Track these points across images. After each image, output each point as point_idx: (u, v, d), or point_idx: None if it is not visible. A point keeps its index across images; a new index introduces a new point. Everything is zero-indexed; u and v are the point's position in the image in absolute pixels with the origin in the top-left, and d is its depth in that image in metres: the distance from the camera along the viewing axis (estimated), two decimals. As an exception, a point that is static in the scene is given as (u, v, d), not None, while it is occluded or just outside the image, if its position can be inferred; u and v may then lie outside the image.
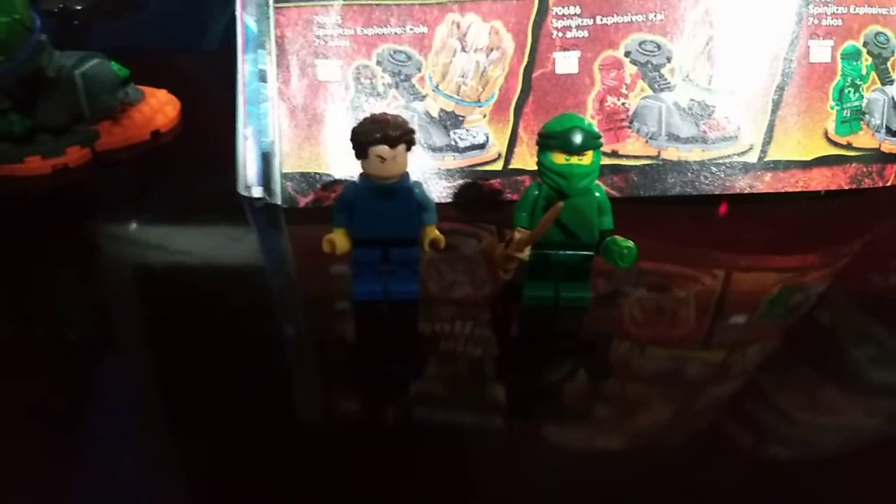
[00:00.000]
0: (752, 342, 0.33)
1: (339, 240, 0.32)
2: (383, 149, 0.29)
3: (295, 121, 0.42)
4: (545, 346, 0.33)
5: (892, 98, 0.43)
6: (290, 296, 0.38)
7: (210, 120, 0.52)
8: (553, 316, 0.34)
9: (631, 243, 0.31)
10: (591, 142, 0.31)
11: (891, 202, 0.44)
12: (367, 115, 0.31)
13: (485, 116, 0.43)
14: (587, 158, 0.31)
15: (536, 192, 0.32)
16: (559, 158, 0.31)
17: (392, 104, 0.43)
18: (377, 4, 0.42)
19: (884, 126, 0.43)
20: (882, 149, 0.44)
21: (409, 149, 0.30)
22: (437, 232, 0.32)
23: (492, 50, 0.42)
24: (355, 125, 0.31)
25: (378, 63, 0.42)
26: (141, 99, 0.52)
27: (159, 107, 0.53)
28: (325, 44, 0.42)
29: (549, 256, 0.33)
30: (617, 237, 0.32)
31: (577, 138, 0.30)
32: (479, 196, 0.43)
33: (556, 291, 0.33)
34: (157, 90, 0.54)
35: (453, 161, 0.43)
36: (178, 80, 0.58)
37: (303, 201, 0.42)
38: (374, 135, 0.29)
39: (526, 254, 0.32)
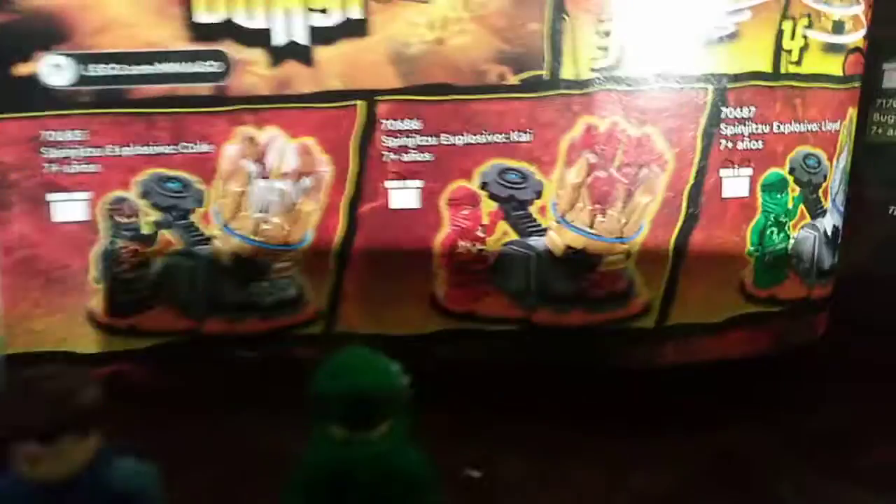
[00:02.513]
0: None
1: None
2: (32, 449, 0.18)
3: (18, 280, 0.30)
4: None
5: (825, 232, 0.34)
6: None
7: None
8: None
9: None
10: (388, 407, 0.20)
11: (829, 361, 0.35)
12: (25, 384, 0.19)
13: (296, 263, 0.32)
14: (381, 429, 0.20)
15: (312, 474, 0.21)
16: (338, 432, 0.20)
17: (164, 250, 0.31)
18: (137, 113, 0.30)
19: (814, 269, 0.34)
20: (812, 296, 0.34)
21: (86, 436, 0.19)
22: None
23: (302, 176, 0.31)
24: None
25: (142, 195, 0.31)
26: None
27: None
28: (63, 171, 0.30)
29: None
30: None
31: (363, 405, 0.19)
32: (290, 374, 0.32)
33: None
34: None
35: (255, 323, 0.32)
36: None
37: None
38: (15, 424, 0.18)
39: None
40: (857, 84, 0.34)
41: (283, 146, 0.30)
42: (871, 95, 0.37)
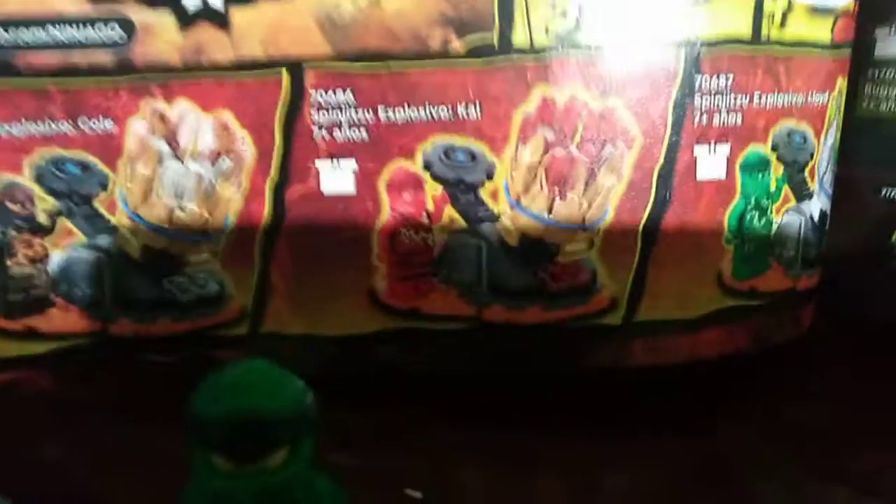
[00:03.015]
0: None
1: None
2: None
3: None
4: None
5: (811, 217, 0.31)
6: None
7: None
8: None
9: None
10: (283, 432, 0.16)
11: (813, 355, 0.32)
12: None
13: (216, 256, 0.28)
14: (276, 458, 0.16)
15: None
16: (222, 463, 0.16)
17: (64, 242, 0.27)
18: (26, 86, 0.26)
19: (799, 257, 0.30)
20: (797, 287, 0.31)
21: None
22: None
23: (220, 155, 0.27)
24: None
25: (37, 179, 0.27)
26: None
27: None
28: (-60, 151, 0.26)
29: None
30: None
31: (249, 431, 0.16)
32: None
33: None
34: None
35: (170, 324, 0.28)
36: None
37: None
38: None
39: None
40: (846, 52, 0.30)
41: (196, 122, 0.27)
42: (861, 65, 0.33)
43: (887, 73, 0.33)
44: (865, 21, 0.33)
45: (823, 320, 0.34)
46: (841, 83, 0.30)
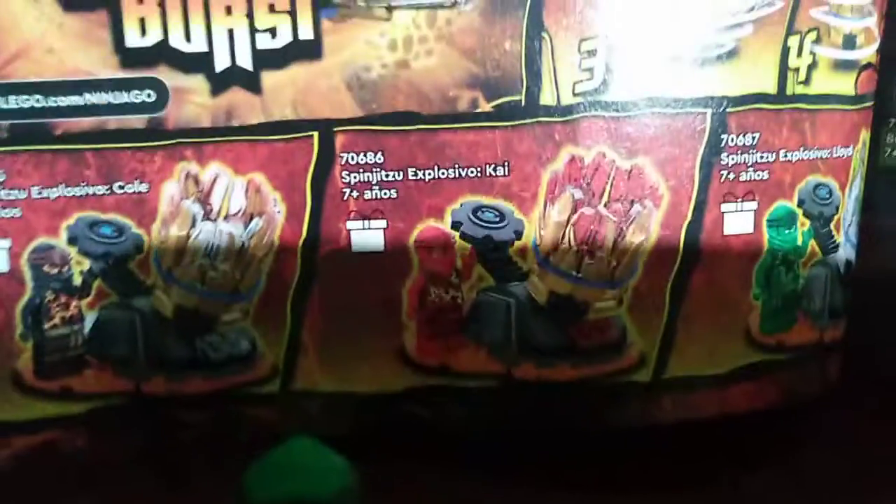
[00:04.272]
0: None
1: None
2: None
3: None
4: None
5: (837, 269, 0.31)
6: None
7: None
8: None
9: None
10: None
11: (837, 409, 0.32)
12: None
13: (247, 315, 0.28)
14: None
15: None
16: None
17: (99, 303, 0.28)
18: (62, 150, 0.26)
19: (826, 309, 0.30)
20: (824, 339, 0.31)
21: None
22: None
23: (252, 217, 0.27)
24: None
25: (71, 241, 0.27)
26: None
27: None
28: (-22, 216, 0.26)
29: None
30: None
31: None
32: (244, 437, 0.29)
33: None
34: None
35: (202, 382, 0.28)
36: None
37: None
38: None
39: None
40: (869, 104, 0.30)
41: (228, 184, 0.27)
42: (882, 115, 0.33)
43: (910, 123, 0.33)
44: (885, 70, 0.33)
45: (845, 370, 0.34)
46: (865, 135, 0.30)
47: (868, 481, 0.29)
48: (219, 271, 0.27)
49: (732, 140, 0.27)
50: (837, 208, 0.30)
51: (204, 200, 0.27)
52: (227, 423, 0.28)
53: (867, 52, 0.29)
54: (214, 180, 0.27)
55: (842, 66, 0.29)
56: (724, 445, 0.30)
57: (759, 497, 0.28)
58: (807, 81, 0.28)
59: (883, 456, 0.30)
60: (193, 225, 0.27)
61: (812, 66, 0.28)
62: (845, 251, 0.31)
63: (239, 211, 0.27)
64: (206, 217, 0.27)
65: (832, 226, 0.30)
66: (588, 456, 0.29)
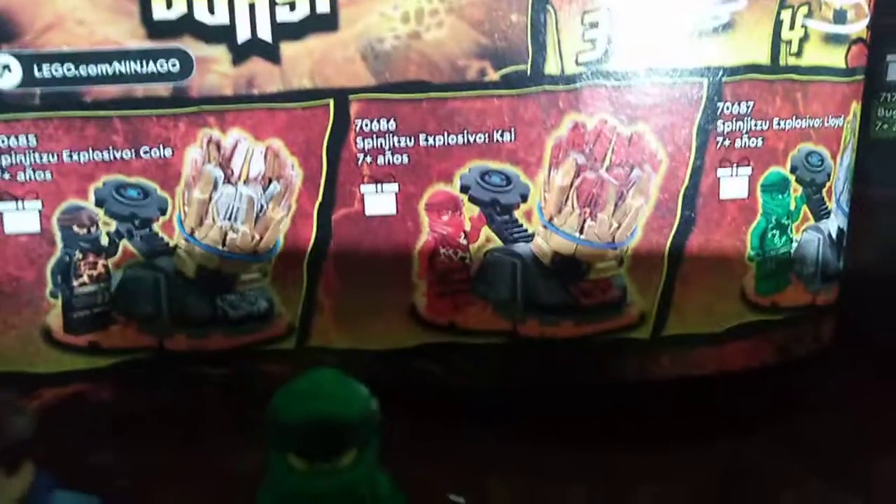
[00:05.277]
0: None
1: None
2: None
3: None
4: None
5: (829, 234, 0.32)
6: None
7: None
8: None
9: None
10: (355, 436, 0.18)
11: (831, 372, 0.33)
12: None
13: (265, 275, 0.30)
14: (346, 459, 0.18)
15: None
16: (299, 462, 0.18)
17: (125, 262, 0.29)
18: (91, 116, 0.28)
19: (818, 273, 0.32)
20: (817, 302, 0.32)
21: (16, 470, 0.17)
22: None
23: (270, 181, 0.29)
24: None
25: (99, 203, 0.29)
26: None
27: None
28: (13, 179, 0.28)
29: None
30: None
31: (326, 434, 0.17)
32: (261, 392, 0.30)
33: None
34: None
35: (222, 339, 0.30)
36: None
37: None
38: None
39: None
40: (860, 77, 0.32)
41: (249, 149, 0.28)
42: (874, 89, 0.35)
43: (900, 97, 0.34)
44: (877, 47, 0.34)
45: (837, 339, 0.35)
46: (855, 107, 0.32)
47: (862, 440, 0.30)
48: (238, 233, 0.29)
49: (728, 108, 0.29)
50: (829, 176, 0.31)
51: (225, 165, 0.28)
52: (245, 379, 0.30)
53: (857, 28, 0.31)
54: (235, 146, 0.28)
55: (832, 39, 0.30)
56: (722, 403, 0.31)
57: (755, 455, 0.29)
58: (799, 53, 0.29)
59: (877, 416, 0.31)
60: (215, 188, 0.29)
61: (804, 39, 0.29)
62: (837, 218, 0.32)
63: (258, 175, 0.29)
64: (227, 181, 0.29)
65: (824, 192, 0.31)
66: (589, 412, 0.30)
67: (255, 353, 0.30)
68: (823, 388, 0.34)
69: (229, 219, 0.29)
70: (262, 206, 0.29)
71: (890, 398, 0.33)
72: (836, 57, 0.30)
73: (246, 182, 0.29)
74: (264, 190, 0.29)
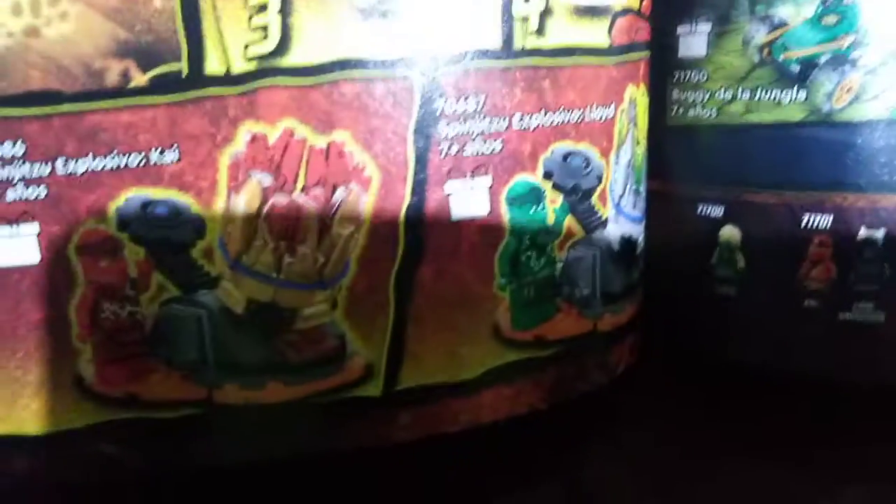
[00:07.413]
0: None
1: None
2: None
3: None
4: None
5: (608, 247, 0.27)
6: None
7: None
8: None
9: None
10: None
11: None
12: None
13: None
14: None
15: None
16: None
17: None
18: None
19: (597, 294, 0.27)
20: (599, 328, 0.27)
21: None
22: None
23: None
24: None
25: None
26: None
27: None
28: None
29: None
30: None
31: None
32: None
33: None
34: None
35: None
36: None
37: None
38: None
39: None
40: (635, 56, 0.27)
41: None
42: (666, 68, 0.30)
43: (692, 76, 0.29)
44: (666, 19, 0.29)
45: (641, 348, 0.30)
46: (632, 92, 0.27)
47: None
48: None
49: (451, 106, 0.23)
50: (600, 178, 0.26)
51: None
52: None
53: (623, -3, 0.25)
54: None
55: (587, 12, 0.24)
56: (489, 458, 0.26)
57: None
58: (540, 31, 0.24)
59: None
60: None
61: (546, 14, 0.24)
62: (619, 226, 0.27)
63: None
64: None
65: (594, 199, 0.26)
66: (330, 482, 0.25)
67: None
68: (632, 407, 0.30)
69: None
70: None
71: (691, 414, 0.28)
72: (595, 34, 0.25)
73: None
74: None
